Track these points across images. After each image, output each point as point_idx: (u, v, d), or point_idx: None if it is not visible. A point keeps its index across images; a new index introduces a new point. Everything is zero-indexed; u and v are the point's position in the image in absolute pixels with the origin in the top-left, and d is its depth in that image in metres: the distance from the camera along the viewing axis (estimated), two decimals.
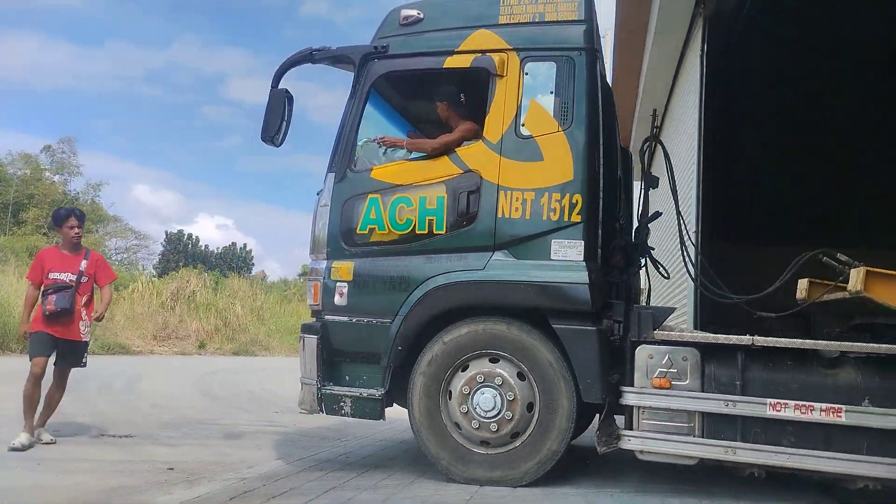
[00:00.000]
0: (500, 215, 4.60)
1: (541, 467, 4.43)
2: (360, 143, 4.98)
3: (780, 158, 9.24)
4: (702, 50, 7.27)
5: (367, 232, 4.85)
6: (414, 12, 4.98)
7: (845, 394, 3.97)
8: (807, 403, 3.96)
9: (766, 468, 4.09)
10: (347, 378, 4.82)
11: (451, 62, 4.87)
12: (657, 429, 4.23)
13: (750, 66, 8.58)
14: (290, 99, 5.08)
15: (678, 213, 5.25)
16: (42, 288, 6.10)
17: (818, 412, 3.93)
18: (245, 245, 52.26)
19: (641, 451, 4.27)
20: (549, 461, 4.42)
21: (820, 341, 4.13)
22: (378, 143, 5.02)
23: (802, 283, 5.01)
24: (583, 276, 4.43)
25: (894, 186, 8.59)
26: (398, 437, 6.68)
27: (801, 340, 4.12)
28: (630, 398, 4.30)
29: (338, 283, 4.84)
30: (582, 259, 4.46)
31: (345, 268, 4.85)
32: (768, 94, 8.83)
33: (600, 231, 4.62)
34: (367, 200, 4.85)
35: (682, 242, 5.30)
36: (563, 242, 4.50)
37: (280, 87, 5.08)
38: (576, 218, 4.52)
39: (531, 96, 4.71)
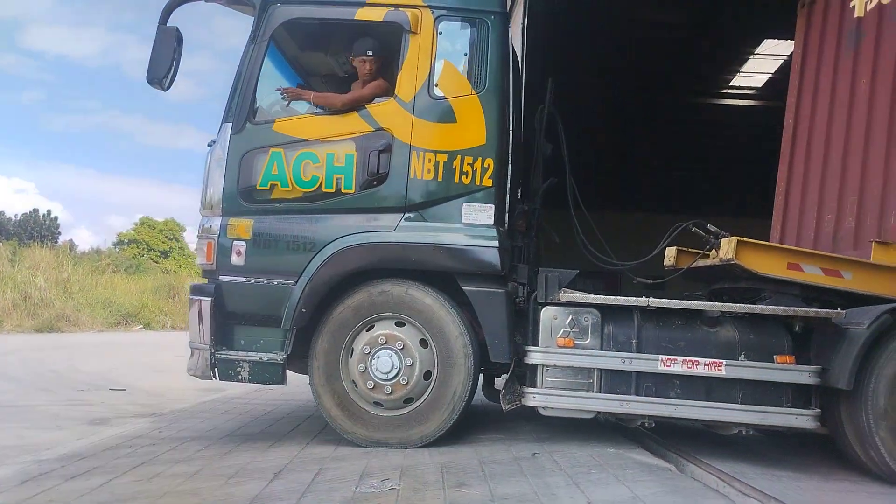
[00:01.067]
0: (412, 176, 4.57)
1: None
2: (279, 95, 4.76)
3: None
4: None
5: (268, 188, 4.62)
6: None
7: (725, 349, 4.40)
8: (693, 359, 4.35)
9: (655, 419, 4.47)
10: (243, 342, 4.60)
11: (362, 14, 4.72)
12: (560, 386, 4.45)
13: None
14: (180, 39, 4.68)
15: (569, 181, 5.49)
16: None
17: (702, 366, 4.34)
18: (49, 212, 47.15)
19: (544, 407, 4.48)
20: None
21: (705, 302, 4.54)
22: (282, 94, 4.76)
23: (671, 252, 5.47)
24: (493, 240, 4.53)
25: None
26: (218, 408, 6.51)
27: (689, 302, 4.52)
28: (535, 357, 4.48)
29: (235, 242, 4.59)
30: (492, 223, 4.56)
31: (243, 225, 4.60)
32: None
33: (508, 196, 4.74)
34: (269, 155, 4.62)
35: (572, 210, 5.56)
36: (475, 206, 4.57)
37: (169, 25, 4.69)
38: (487, 182, 4.59)
39: (445, 57, 4.69)
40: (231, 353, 4.58)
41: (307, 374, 4.67)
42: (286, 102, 4.79)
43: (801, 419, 4.32)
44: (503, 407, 4.56)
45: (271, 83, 4.82)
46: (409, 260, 4.56)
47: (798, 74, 6.46)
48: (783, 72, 11.52)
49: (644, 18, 10.49)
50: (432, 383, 4.53)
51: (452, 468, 4.06)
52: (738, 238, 4.76)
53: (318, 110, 4.73)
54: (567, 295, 4.47)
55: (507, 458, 4.29)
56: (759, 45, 11.62)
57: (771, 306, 4.44)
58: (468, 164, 4.59)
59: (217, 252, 4.61)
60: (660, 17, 10.61)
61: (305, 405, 6.34)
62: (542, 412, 4.51)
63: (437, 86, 4.65)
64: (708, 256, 5.02)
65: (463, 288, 4.53)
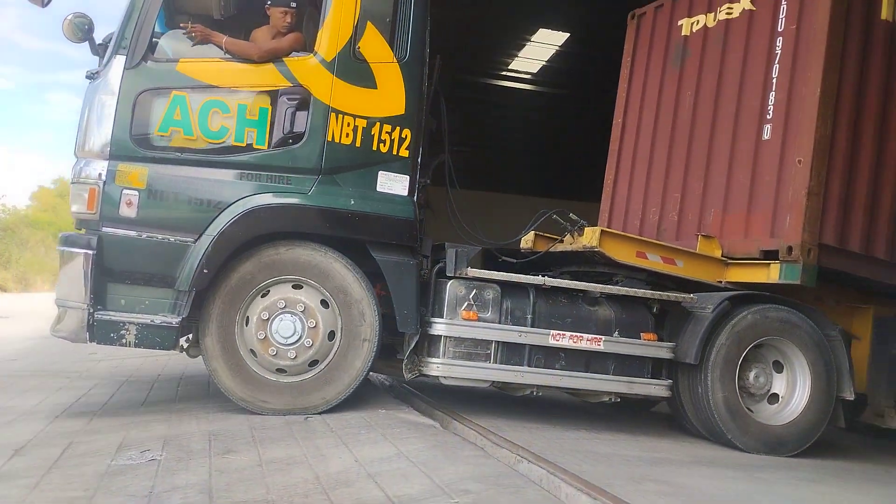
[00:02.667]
0: (329, 139, 4.40)
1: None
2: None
3: None
4: None
5: (167, 134, 4.20)
6: None
7: (603, 327, 4.89)
8: (578, 334, 4.78)
9: (542, 388, 4.83)
10: (124, 302, 4.16)
11: None
12: (460, 356, 4.62)
13: None
14: None
15: (448, 159, 5.61)
16: None
17: (585, 341, 4.78)
18: None
19: (444, 377, 4.62)
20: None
21: (591, 284, 4.98)
22: (187, 33, 4.28)
23: (529, 236, 5.88)
24: (409, 211, 4.56)
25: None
26: None
27: (577, 282, 4.93)
28: (439, 328, 4.59)
29: (125, 191, 4.12)
30: (406, 193, 4.57)
31: (136, 173, 4.13)
32: None
33: (419, 169, 4.75)
34: (171, 98, 4.19)
35: (449, 187, 5.70)
36: (390, 175, 4.54)
37: None
38: (404, 153, 4.58)
39: (369, 20, 4.53)
40: (115, 314, 4.11)
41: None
42: (191, 42, 4.31)
43: (657, 388, 4.97)
44: (405, 376, 4.64)
45: (172, 16, 4.33)
46: (323, 225, 4.40)
47: (627, 80, 7.19)
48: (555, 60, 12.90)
49: None
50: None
51: (221, 436, 4.03)
52: (602, 228, 5.30)
53: (228, 56, 4.33)
54: (474, 271, 4.64)
55: (279, 423, 4.33)
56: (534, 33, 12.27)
57: (641, 289, 5.01)
58: (386, 132, 4.54)
59: (101, 200, 4.09)
60: None
61: (46, 370, 5.94)
62: (443, 381, 4.66)
63: (359, 48, 4.49)
64: (563, 242, 5.50)
65: (376, 257, 4.49)
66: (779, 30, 5.69)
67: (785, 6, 5.66)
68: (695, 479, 4.01)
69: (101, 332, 4.10)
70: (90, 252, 4.05)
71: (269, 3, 4.48)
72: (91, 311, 4.06)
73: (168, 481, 3.27)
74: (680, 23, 6.74)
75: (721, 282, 5.41)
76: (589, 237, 5.15)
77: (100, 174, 4.11)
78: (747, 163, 5.70)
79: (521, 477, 3.51)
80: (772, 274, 5.19)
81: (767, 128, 5.62)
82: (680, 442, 5.12)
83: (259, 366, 4.38)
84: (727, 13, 6.20)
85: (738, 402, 4.96)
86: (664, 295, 5.01)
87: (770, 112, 5.63)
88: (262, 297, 4.38)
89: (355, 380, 4.48)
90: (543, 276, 4.83)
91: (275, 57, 4.37)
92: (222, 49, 4.34)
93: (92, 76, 4.27)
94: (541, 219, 5.54)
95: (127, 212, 4.12)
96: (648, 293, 4.99)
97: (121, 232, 4.12)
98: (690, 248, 5.56)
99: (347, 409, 4.62)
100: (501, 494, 3.15)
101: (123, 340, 4.13)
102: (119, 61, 4.13)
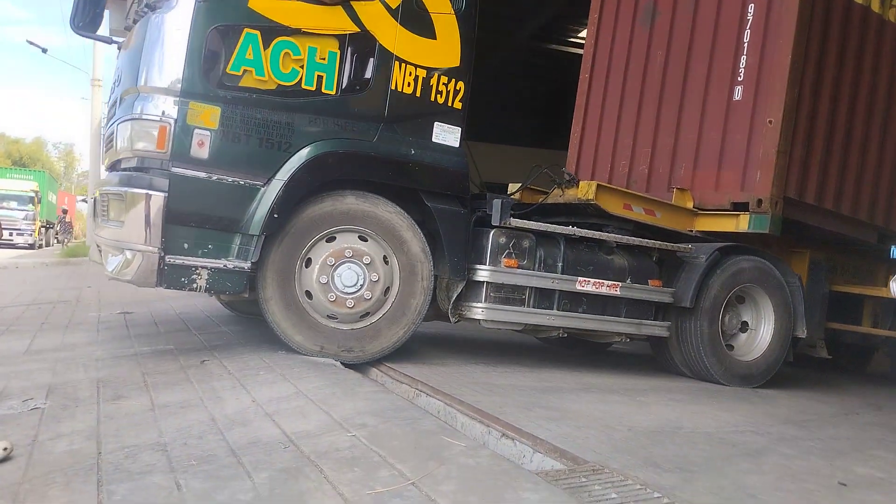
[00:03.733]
0: (393, 87, 4.43)
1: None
2: None
3: None
4: None
5: (239, 73, 4.06)
6: None
7: (618, 274, 5.31)
8: (599, 280, 5.17)
9: (568, 330, 5.20)
10: (191, 246, 4.03)
11: None
12: (500, 300, 4.85)
13: None
14: None
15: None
16: None
17: (605, 287, 5.19)
18: None
19: (486, 320, 4.86)
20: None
21: (611, 234, 5.34)
22: None
23: (513, 188, 6.13)
24: (462, 162, 4.70)
25: None
26: None
27: (599, 233, 5.27)
28: (482, 275, 4.79)
29: (197, 130, 3.98)
30: (458, 145, 4.69)
31: (208, 112, 3.99)
32: None
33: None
34: (243, 35, 4.05)
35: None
36: (445, 127, 4.65)
37: None
38: (457, 105, 4.70)
39: None
40: (187, 258, 4.00)
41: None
42: None
43: (660, 329, 5.49)
44: (451, 320, 4.83)
45: None
46: (386, 173, 4.46)
47: (594, 36, 7.48)
48: None
49: None
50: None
51: (110, 382, 4.01)
52: (598, 182, 5.62)
53: None
54: (516, 221, 4.87)
55: (174, 367, 4.35)
56: None
57: (650, 240, 5.47)
58: (443, 83, 4.62)
59: (174, 139, 3.92)
60: None
61: None
62: (484, 324, 4.91)
63: None
64: (551, 195, 5.79)
65: (431, 206, 4.60)
66: None
67: None
68: (581, 403, 4.26)
69: (171, 277, 4.00)
70: (162, 193, 3.89)
71: None
72: (162, 254, 3.93)
73: (52, 429, 3.23)
74: None
75: (692, 231, 5.93)
76: (584, 190, 5.44)
77: (170, 112, 3.91)
78: (718, 121, 6.13)
79: (418, 410, 3.60)
80: (741, 224, 5.75)
81: (739, 89, 6.04)
82: (572, 372, 5.44)
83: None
84: None
85: (720, 342, 5.61)
86: (668, 245, 5.49)
87: (741, 74, 6.04)
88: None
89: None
90: (572, 226, 5.15)
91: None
92: None
93: (152, 5, 4.00)
94: (535, 175, 5.81)
95: (198, 152, 3.98)
96: (658, 243, 5.45)
97: (190, 173, 3.98)
98: (666, 200, 6.06)
99: (247, 352, 4.67)
100: (398, 426, 3.23)
101: (194, 285, 4.05)
102: None
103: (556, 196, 5.66)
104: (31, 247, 29.91)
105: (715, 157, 6.14)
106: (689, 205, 6.05)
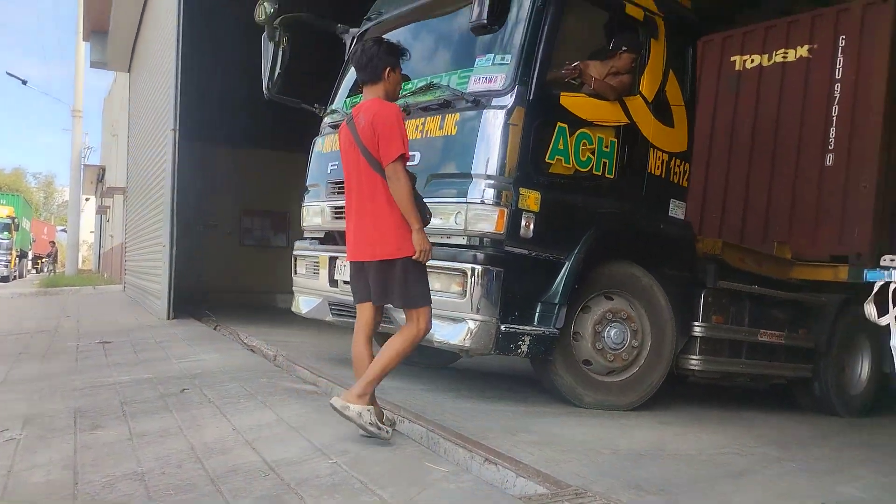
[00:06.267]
0: (649, 170, 5.19)
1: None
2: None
3: None
4: None
5: (553, 162, 4.73)
6: None
7: (779, 324, 6.03)
8: (772, 331, 5.94)
9: (749, 375, 6.00)
10: (516, 315, 4.61)
11: (630, 9, 5.07)
12: (708, 353, 5.54)
13: None
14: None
15: None
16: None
17: (776, 337, 5.97)
18: None
19: (699, 370, 5.53)
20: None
21: (788, 292, 6.19)
22: (568, 70, 4.81)
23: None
24: (691, 234, 5.49)
25: None
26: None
27: (780, 291, 6.09)
28: (698, 330, 5.47)
29: (525, 213, 4.60)
30: (684, 218, 5.48)
31: (533, 197, 4.63)
32: None
33: None
34: (556, 128, 4.72)
35: None
36: (677, 202, 5.43)
37: None
38: (684, 183, 5.47)
39: (671, 67, 5.31)
40: (517, 326, 4.57)
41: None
42: (566, 78, 4.81)
43: (805, 371, 6.28)
44: (675, 372, 5.48)
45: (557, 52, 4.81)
46: (644, 245, 5.17)
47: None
48: None
49: None
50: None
51: (88, 412, 4.01)
52: (723, 240, 6.06)
53: (592, 92, 4.87)
54: (724, 283, 5.61)
55: (153, 396, 4.35)
56: None
57: (804, 294, 6.26)
58: (677, 165, 5.39)
59: (508, 222, 4.53)
60: None
61: None
62: (698, 375, 5.63)
63: (665, 91, 5.26)
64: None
65: (668, 273, 5.26)
66: (836, 77, 6.76)
67: (841, 59, 6.75)
68: (566, 427, 4.30)
69: (503, 343, 4.55)
70: (501, 269, 4.48)
71: (623, 48, 5.04)
72: (499, 324, 4.51)
73: (28, 459, 3.23)
74: (732, 59, 7.60)
75: (792, 279, 6.48)
76: (710, 246, 5.91)
77: (508, 197, 4.52)
78: (812, 184, 6.83)
79: (400, 435, 3.59)
80: (840, 274, 6.40)
81: (830, 156, 6.77)
82: (557, 397, 5.34)
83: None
84: (783, 57, 7.19)
85: (841, 380, 6.42)
86: (814, 297, 6.31)
87: (832, 144, 6.77)
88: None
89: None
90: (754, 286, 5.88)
91: (621, 96, 5.01)
92: (590, 88, 4.85)
93: (475, 100, 4.62)
94: None
95: (525, 232, 4.59)
96: (810, 297, 6.25)
97: (518, 251, 4.59)
98: (768, 252, 6.55)
99: (228, 380, 4.72)
100: (379, 452, 3.22)
101: (519, 350, 4.60)
102: (519, 92, 4.55)
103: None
104: (6, 279, 27.59)
105: (811, 214, 6.83)
106: (788, 256, 6.62)
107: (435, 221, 4.40)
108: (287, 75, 5.98)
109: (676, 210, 5.46)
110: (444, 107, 4.83)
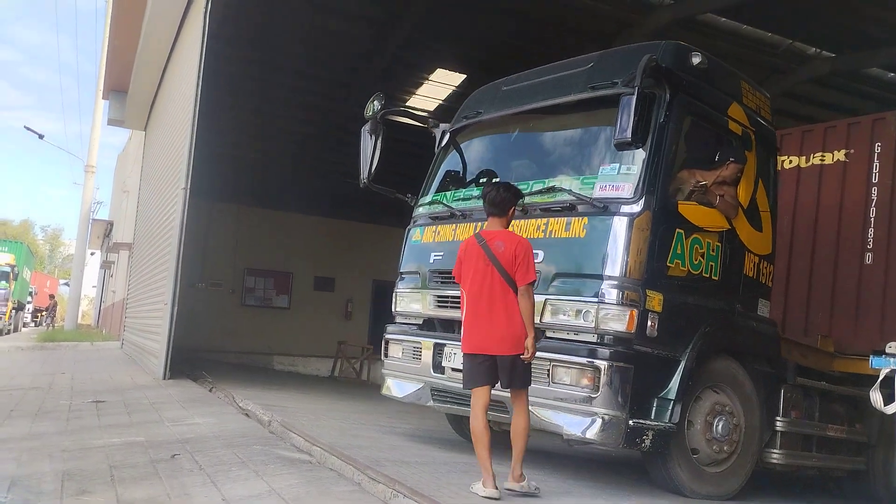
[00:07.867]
0: (744, 272, 5.49)
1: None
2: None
3: None
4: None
5: (673, 265, 5.01)
6: (701, 60, 5.22)
7: (840, 419, 6.31)
8: (839, 426, 6.24)
9: (819, 469, 6.25)
10: (641, 411, 4.79)
11: (732, 125, 5.44)
12: (786, 446, 5.76)
13: None
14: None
15: None
16: None
17: (840, 432, 6.26)
18: None
19: (781, 464, 5.76)
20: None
21: (846, 387, 6.42)
22: (695, 181, 5.13)
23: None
24: (775, 331, 5.78)
25: None
26: None
27: (843, 387, 6.38)
28: (779, 425, 5.70)
29: (650, 314, 4.83)
30: (769, 315, 5.80)
31: (657, 298, 4.88)
32: None
33: None
34: (676, 234, 5.01)
35: None
36: (765, 302, 5.74)
37: None
38: (770, 283, 5.79)
39: (760, 176, 5.69)
40: (642, 421, 4.75)
41: None
42: (692, 189, 5.13)
43: (860, 464, 6.56)
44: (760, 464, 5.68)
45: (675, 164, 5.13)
46: (745, 343, 5.46)
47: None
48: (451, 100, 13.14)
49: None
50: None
51: (76, 475, 3.92)
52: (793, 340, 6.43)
53: (703, 200, 5.18)
54: (801, 380, 5.91)
55: (143, 461, 4.25)
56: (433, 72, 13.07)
57: (859, 389, 6.33)
58: (765, 266, 5.71)
59: (638, 322, 4.75)
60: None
61: None
62: (777, 468, 5.82)
63: (756, 198, 5.62)
64: None
65: (758, 368, 5.54)
66: (873, 181, 7.13)
67: (877, 164, 7.14)
68: None
69: (630, 438, 4.72)
70: (631, 367, 4.69)
71: (731, 159, 5.34)
72: (629, 419, 4.68)
73: None
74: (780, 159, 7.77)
75: (834, 371, 6.74)
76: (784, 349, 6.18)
77: (639, 299, 4.75)
78: (852, 281, 7.13)
79: None
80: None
81: (869, 255, 7.12)
82: (554, 474, 5.39)
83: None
84: (820, 160, 7.56)
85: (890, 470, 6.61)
86: (863, 391, 6.32)
87: (870, 243, 7.11)
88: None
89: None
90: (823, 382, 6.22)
91: (737, 209, 5.35)
92: (714, 202, 5.18)
93: (604, 206, 4.88)
94: None
95: (650, 332, 4.82)
96: (856, 391, 6.39)
97: (643, 349, 4.80)
98: (813, 345, 6.85)
99: (221, 447, 4.65)
100: None
101: (643, 444, 4.76)
102: (649, 201, 4.83)
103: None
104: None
105: (851, 308, 7.11)
106: (831, 349, 6.93)
107: (562, 318, 4.78)
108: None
109: (763, 308, 5.78)
110: (569, 210, 5.07)
